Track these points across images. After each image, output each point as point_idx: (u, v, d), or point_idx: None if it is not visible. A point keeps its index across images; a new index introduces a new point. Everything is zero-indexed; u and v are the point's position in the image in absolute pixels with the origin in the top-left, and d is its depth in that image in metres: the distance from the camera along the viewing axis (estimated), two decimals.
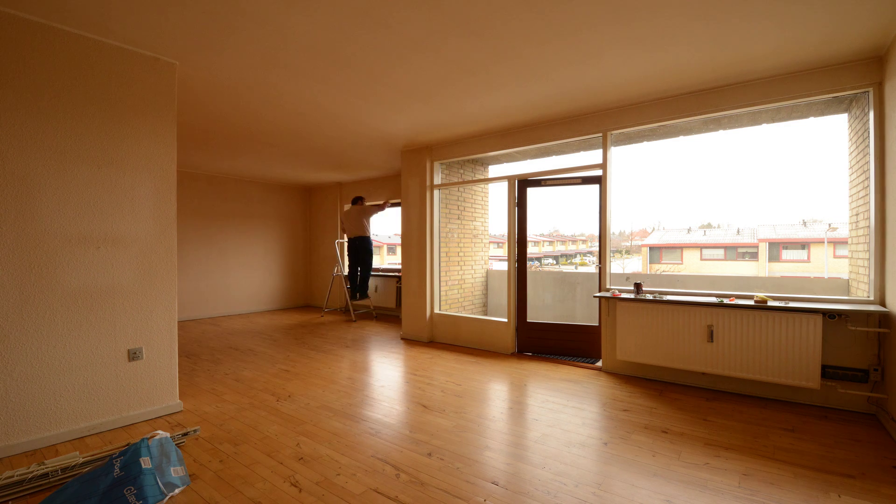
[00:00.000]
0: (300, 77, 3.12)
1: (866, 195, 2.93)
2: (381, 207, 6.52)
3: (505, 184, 4.70)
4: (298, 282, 8.29)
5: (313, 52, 2.73)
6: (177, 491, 1.97)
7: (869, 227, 2.88)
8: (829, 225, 18.45)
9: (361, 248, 6.42)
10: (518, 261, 4.61)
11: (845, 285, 3.75)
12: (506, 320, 4.60)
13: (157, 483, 1.92)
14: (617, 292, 3.77)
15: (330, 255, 7.99)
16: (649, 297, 3.53)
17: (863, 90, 2.90)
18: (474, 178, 5.79)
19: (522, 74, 3.09)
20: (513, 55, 2.79)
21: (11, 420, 2.32)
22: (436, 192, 5.19)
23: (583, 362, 4.16)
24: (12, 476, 1.96)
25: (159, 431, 2.28)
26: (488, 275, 6.39)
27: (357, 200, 6.61)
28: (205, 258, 6.89)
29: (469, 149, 4.84)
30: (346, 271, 7.05)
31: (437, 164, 5.17)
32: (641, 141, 4.07)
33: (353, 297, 6.61)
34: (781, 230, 20.71)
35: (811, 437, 2.50)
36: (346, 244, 6.72)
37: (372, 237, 6.55)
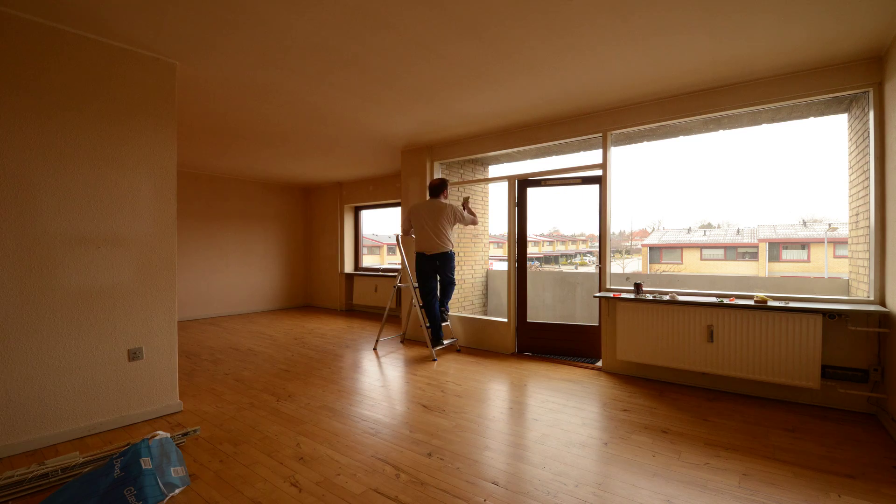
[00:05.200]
0: (300, 77, 3.12)
1: (866, 195, 2.93)
2: (470, 216, 4.52)
3: (505, 184, 4.70)
4: (298, 282, 8.28)
5: (314, 52, 2.73)
6: (177, 491, 1.97)
7: (869, 227, 2.87)
8: (829, 225, 18.45)
9: (442, 268, 4.34)
10: (518, 261, 4.61)
11: (845, 285, 3.75)
12: (506, 320, 4.60)
13: (158, 483, 1.92)
14: (617, 292, 3.77)
15: (330, 254, 7.99)
16: (649, 297, 3.53)
17: (863, 90, 2.90)
18: (474, 178, 5.79)
19: (522, 75, 3.09)
20: (513, 55, 2.79)
21: (11, 420, 2.32)
22: None
23: (583, 362, 4.16)
24: (12, 476, 1.96)
25: (159, 431, 2.28)
26: (488, 275, 6.38)
27: (439, 189, 4.37)
28: (205, 258, 6.88)
29: (469, 149, 4.84)
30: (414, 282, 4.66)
31: (437, 164, 5.17)
32: (641, 141, 4.07)
33: (435, 334, 4.40)
34: (781, 230, 20.71)
35: (811, 437, 2.50)
36: (415, 258, 4.47)
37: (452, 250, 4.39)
